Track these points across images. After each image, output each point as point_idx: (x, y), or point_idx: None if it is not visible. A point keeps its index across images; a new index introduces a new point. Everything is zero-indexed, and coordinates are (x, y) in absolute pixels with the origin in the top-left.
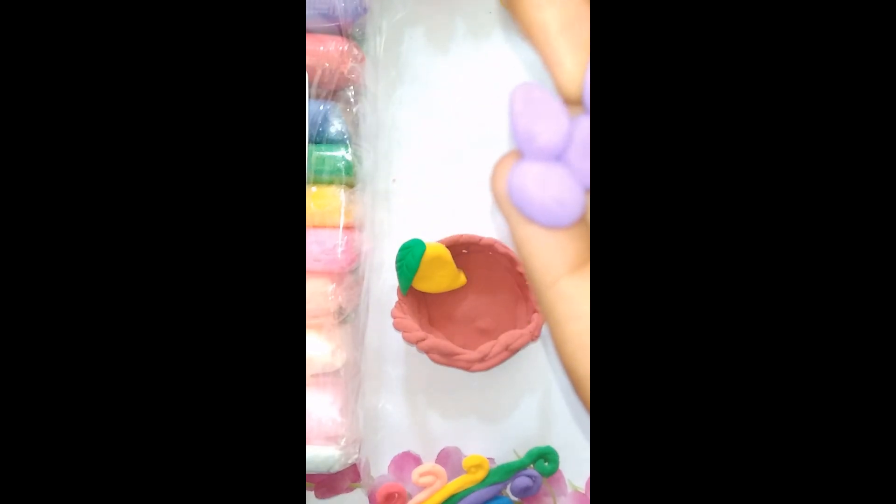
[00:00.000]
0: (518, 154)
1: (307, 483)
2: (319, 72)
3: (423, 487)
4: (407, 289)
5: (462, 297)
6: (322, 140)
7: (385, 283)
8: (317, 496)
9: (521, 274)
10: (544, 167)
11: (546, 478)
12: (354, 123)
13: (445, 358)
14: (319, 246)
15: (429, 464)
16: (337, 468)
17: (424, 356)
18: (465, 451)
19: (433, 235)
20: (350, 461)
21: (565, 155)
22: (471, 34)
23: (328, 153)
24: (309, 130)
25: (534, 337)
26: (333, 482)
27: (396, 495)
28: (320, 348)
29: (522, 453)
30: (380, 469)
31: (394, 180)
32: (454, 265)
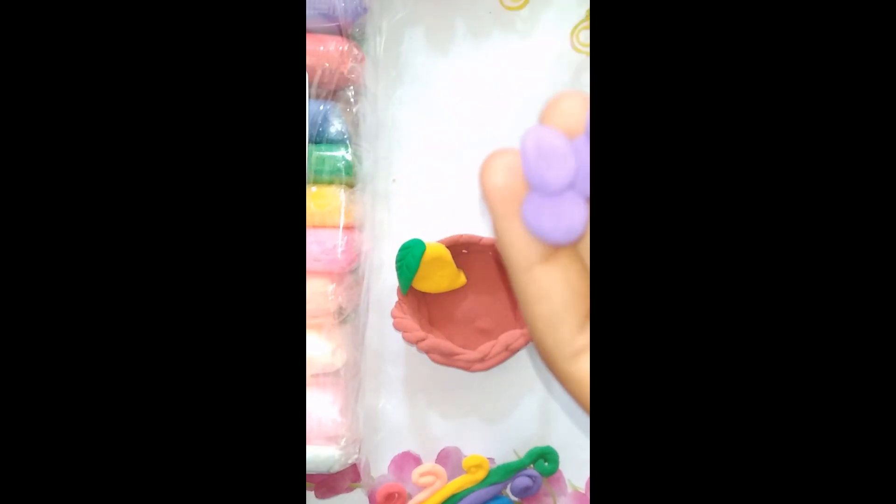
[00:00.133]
0: (508, 154)
1: (307, 483)
2: (319, 72)
3: (423, 487)
4: (407, 289)
5: (462, 297)
6: (322, 140)
7: (385, 283)
8: (317, 496)
9: None
10: (557, 200)
11: (546, 478)
12: (354, 123)
13: (445, 358)
14: (319, 246)
15: (429, 464)
16: (337, 468)
17: (424, 356)
18: (465, 451)
19: (433, 235)
20: (350, 461)
21: (574, 183)
22: (471, 34)
23: (328, 153)
24: (309, 130)
25: None
26: (333, 482)
27: (396, 495)
28: (320, 348)
29: (522, 453)
30: (380, 469)
31: (394, 180)
32: (454, 265)
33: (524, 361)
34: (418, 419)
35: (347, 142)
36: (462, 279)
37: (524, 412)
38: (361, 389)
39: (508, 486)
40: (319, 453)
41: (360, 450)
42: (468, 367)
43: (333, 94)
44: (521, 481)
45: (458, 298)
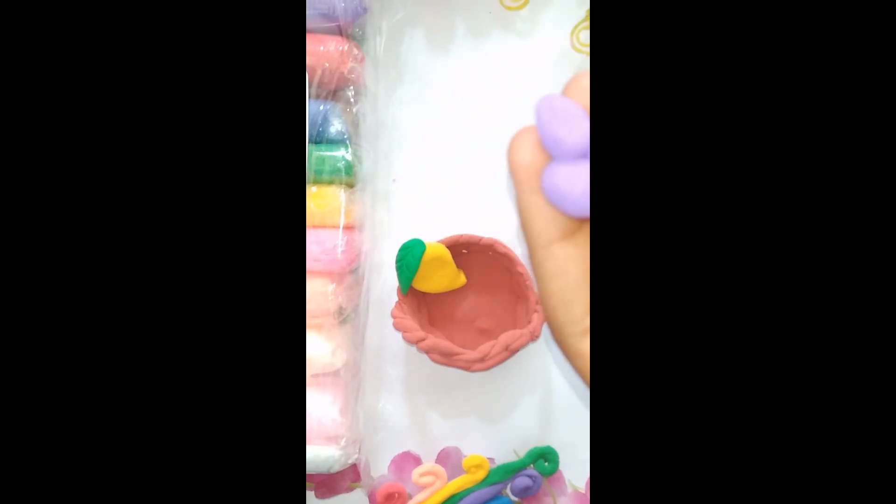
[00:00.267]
0: (535, 131)
1: (307, 483)
2: (319, 72)
3: (423, 487)
4: (407, 289)
5: (462, 297)
6: (322, 140)
7: (385, 283)
8: (317, 496)
9: (521, 274)
10: (572, 166)
11: (546, 478)
12: (354, 123)
13: (445, 358)
14: (319, 246)
15: (429, 464)
16: (337, 468)
17: (424, 356)
18: (465, 451)
19: (433, 235)
20: (350, 461)
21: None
22: (471, 34)
23: (328, 153)
24: (309, 130)
25: (534, 337)
26: (333, 482)
27: (396, 495)
28: (320, 348)
29: (522, 453)
30: (380, 469)
31: (394, 180)
32: (454, 265)
33: (524, 361)
34: (418, 419)
35: (347, 142)
36: (462, 279)
37: (524, 412)
38: (361, 389)
39: (508, 486)
40: (319, 453)
41: (360, 450)
42: (468, 367)
43: (333, 94)
44: (521, 481)
45: (458, 298)
